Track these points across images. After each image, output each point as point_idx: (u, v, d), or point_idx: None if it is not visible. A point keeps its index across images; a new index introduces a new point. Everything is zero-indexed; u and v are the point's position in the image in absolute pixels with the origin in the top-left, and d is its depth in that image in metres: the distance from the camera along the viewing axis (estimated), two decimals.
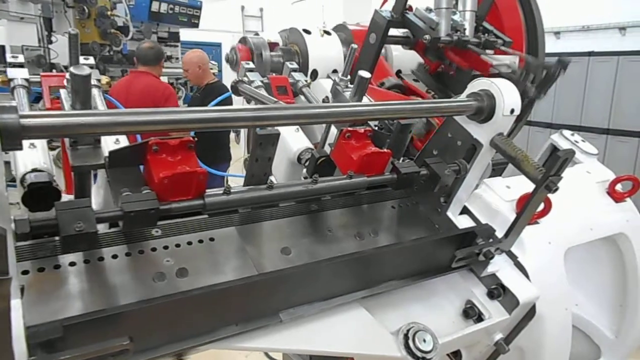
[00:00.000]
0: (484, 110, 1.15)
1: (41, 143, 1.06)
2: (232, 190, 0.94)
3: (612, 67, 6.37)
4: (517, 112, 1.15)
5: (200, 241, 1.11)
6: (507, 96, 1.14)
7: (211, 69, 5.91)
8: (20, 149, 0.67)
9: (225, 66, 2.37)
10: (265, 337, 0.98)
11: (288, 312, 1.00)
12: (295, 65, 1.71)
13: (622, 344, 1.60)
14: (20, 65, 1.31)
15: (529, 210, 1.14)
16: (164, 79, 6.98)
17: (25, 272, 0.89)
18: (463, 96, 1.19)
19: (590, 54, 6.40)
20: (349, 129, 1.16)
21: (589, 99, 6.64)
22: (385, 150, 1.14)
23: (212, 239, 1.12)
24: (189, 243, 1.10)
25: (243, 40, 2.15)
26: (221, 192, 0.93)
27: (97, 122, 0.73)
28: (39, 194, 0.87)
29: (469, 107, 1.15)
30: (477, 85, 1.19)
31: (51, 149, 1.37)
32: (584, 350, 1.66)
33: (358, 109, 1.01)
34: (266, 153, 1.10)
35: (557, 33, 7.11)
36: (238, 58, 2.05)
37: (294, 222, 1.22)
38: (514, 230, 1.18)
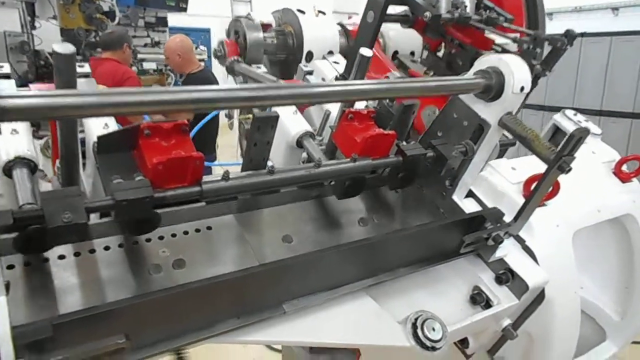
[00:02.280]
0: (492, 88, 1.10)
1: (24, 128, 1.00)
2: (230, 176, 0.88)
3: (605, 48, 6.34)
4: (527, 89, 1.10)
5: (197, 230, 1.05)
6: (517, 73, 1.09)
7: (200, 54, 5.77)
8: None
9: None
10: (268, 329, 0.93)
11: (291, 303, 0.96)
12: (309, 68, 1.64)
13: (628, 326, 1.58)
14: (6, 77, 1.19)
15: (540, 192, 1.09)
16: (152, 65, 6.84)
17: (10, 267, 0.83)
18: (470, 74, 1.14)
19: (582, 35, 6.36)
20: (352, 109, 1.10)
21: (582, 80, 6.63)
22: (389, 132, 1.08)
23: (209, 228, 1.07)
24: (186, 233, 1.05)
25: (234, 23, 2.07)
26: (219, 178, 0.88)
27: (85, 103, 0.66)
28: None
29: (476, 85, 1.10)
30: (485, 62, 1.13)
31: (37, 138, 1.30)
32: (588, 332, 1.64)
33: (362, 87, 0.95)
34: (265, 137, 1.04)
35: (549, 14, 7.06)
36: (226, 52, 1.97)
37: (295, 209, 1.17)
38: (524, 213, 1.14)
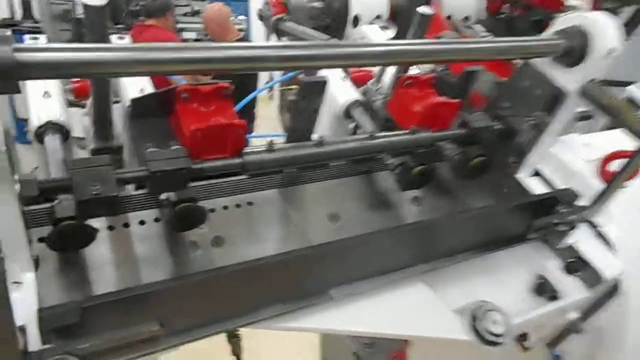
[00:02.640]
0: (574, 51, 0.95)
1: (57, 91, 0.93)
2: (275, 147, 0.79)
3: None
4: (617, 52, 0.94)
5: (238, 205, 0.97)
6: (605, 33, 0.93)
7: (239, 24, 5.66)
8: (17, 91, 0.52)
9: (254, 22, 2.18)
10: (313, 316, 0.85)
11: (339, 289, 0.87)
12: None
13: None
14: None
15: (627, 171, 0.95)
16: (191, 35, 6.79)
17: (41, 240, 0.78)
18: (547, 34, 0.99)
19: None
20: (410, 75, 0.98)
21: None
22: (453, 100, 0.96)
23: (250, 203, 0.98)
24: (225, 207, 0.97)
25: None
26: (263, 149, 0.78)
27: (114, 59, 0.58)
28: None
29: (555, 47, 0.95)
30: (566, 20, 0.98)
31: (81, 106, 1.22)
32: None
33: (426, 48, 0.83)
34: (312, 104, 0.94)
35: None
36: (271, 14, 1.85)
37: (342, 185, 1.07)
38: (603, 196, 1.00)
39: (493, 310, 0.94)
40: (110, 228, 0.84)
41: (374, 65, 0.98)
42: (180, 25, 6.15)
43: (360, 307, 0.89)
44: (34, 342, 0.59)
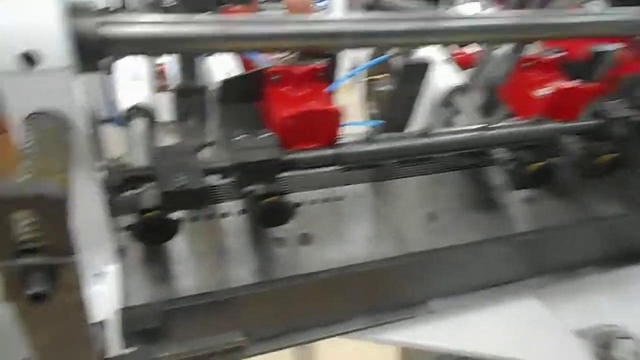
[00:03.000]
0: None
1: (145, 72, 0.89)
2: (375, 138, 0.69)
3: None
4: None
5: (326, 200, 0.89)
6: None
7: (325, 9, 5.58)
8: (94, 70, 0.47)
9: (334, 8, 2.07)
10: (409, 329, 0.76)
11: (440, 301, 0.76)
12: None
13: None
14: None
15: None
16: None
17: (123, 229, 0.74)
18: None
19: None
20: (530, 55, 0.83)
21: None
22: (586, 85, 0.80)
23: (340, 198, 0.90)
24: (313, 202, 0.89)
25: None
26: (360, 139, 0.69)
27: (208, 34, 0.51)
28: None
29: None
30: None
31: None
32: None
33: (558, 22, 0.68)
34: (411, 91, 0.83)
35: None
36: None
37: (442, 180, 0.95)
38: None
39: (628, 338, 0.78)
40: (193, 219, 0.79)
41: (490, 41, 0.84)
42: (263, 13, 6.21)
43: (463, 323, 0.78)
44: (112, 343, 0.55)
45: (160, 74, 0.98)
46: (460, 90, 1.04)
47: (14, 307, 0.38)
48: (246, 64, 1.03)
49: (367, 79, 1.61)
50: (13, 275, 0.35)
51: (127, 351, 0.53)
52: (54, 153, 0.43)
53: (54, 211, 0.34)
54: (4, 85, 0.43)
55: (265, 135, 0.63)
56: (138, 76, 0.90)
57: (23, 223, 0.35)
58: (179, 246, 0.72)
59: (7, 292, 0.36)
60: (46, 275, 0.36)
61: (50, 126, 0.46)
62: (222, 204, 0.83)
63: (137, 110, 0.84)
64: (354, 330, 0.72)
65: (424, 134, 0.71)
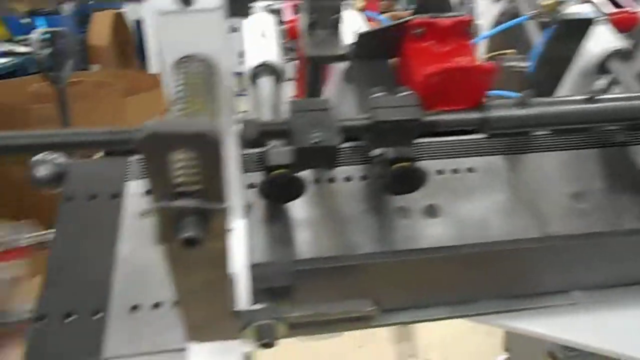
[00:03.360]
0: None
1: (272, 31, 0.88)
2: (529, 101, 0.60)
3: None
4: None
5: (455, 171, 0.82)
6: None
7: None
8: (245, 15, 0.45)
9: None
10: (547, 319, 0.68)
11: (586, 293, 0.67)
12: None
13: None
14: None
15: None
16: None
17: (250, 186, 0.74)
18: None
19: None
20: None
21: None
22: None
23: (470, 170, 0.82)
24: (440, 172, 0.83)
25: None
26: (510, 102, 0.61)
27: None
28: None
29: None
30: None
31: None
32: None
33: None
34: (567, 50, 0.72)
35: None
36: None
37: (590, 157, 0.83)
38: None
39: None
40: (316, 182, 0.77)
41: None
42: None
43: (612, 320, 0.68)
44: (241, 298, 0.54)
45: (289, 32, 0.96)
46: (619, 55, 0.90)
47: (165, 250, 0.37)
48: (372, 24, 0.97)
49: (490, 54, 1.43)
50: (168, 218, 0.35)
51: (254, 307, 0.52)
52: (204, 98, 0.42)
53: (212, 152, 0.32)
54: (162, 26, 0.42)
55: (405, 93, 0.58)
56: (265, 33, 0.89)
57: (177, 165, 0.34)
58: (302, 207, 0.70)
59: (160, 234, 0.36)
60: (199, 220, 0.35)
61: (200, 70, 0.44)
62: (344, 167, 0.79)
63: (265, 68, 0.83)
64: (483, 314, 0.66)
65: (590, 98, 0.61)
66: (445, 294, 0.65)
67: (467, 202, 0.77)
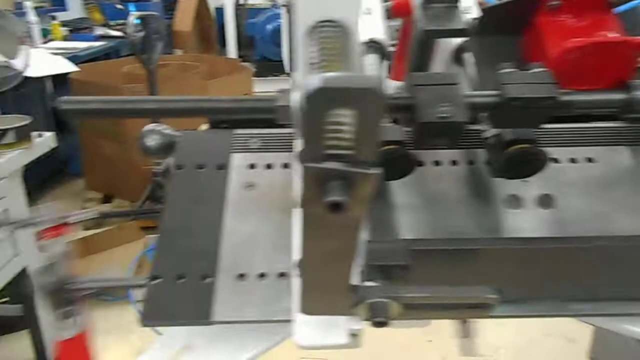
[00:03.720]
0: None
1: (378, 9, 0.85)
2: None
3: None
4: None
5: (573, 160, 0.76)
6: None
7: None
8: None
9: None
10: None
11: None
12: None
13: None
14: None
15: None
16: None
17: None
18: None
19: None
20: None
21: None
22: None
23: (590, 160, 0.76)
24: (555, 160, 0.77)
25: None
26: None
27: None
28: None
29: None
30: None
31: None
32: None
33: None
34: None
35: None
36: None
37: None
38: None
39: None
40: (420, 164, 0.74)
41: None
42: None
43: None
44: (355, 275, 0.53)
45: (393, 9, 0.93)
46: None
47: (305, 212, 0.36)
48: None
49: None
50: (317, 179, 0.33)
51: (369, 284, 0.50)
52: (342, 63, 0.41)
53: (374, 109, 0.30)
54: None
55: (539, 70, 0.53)
56: (371, 10, 0.87)
57: (331, 127, 0.33)
58: (403, 186, 0.68)
59: (306, 195, 0.35)
60: (345, 185, 0.34)
61: (336, 35, 0.43)
62: (450, 150, 0.76)
63: (371, 45, 0.81)
64: (603, 315, 0.61)
65: None
66: (574, 289, 0.60)
67: (585, 194, 0.71)
